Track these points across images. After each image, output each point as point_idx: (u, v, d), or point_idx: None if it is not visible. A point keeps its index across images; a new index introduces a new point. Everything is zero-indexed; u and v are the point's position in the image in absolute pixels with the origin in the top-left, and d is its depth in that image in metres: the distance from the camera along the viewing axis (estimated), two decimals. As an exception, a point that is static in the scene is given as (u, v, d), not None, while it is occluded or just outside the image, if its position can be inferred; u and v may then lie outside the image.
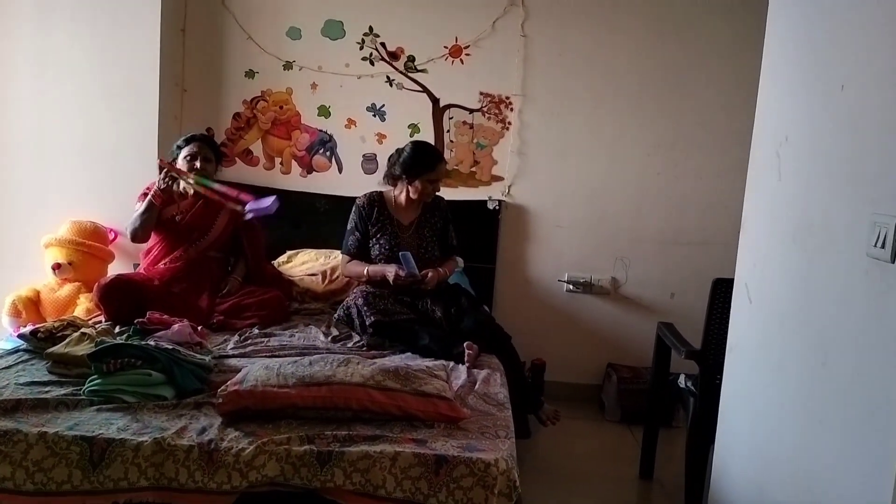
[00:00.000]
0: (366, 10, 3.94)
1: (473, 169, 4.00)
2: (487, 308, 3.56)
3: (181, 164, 3.27)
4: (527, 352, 3.52)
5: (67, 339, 2.48)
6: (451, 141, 3.99)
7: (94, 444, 1.85)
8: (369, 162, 4.03)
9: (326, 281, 3.59)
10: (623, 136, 3.92)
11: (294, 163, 4.07)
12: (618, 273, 4.00)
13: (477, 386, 2.49)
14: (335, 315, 3.19)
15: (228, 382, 2.10)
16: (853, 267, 1.57)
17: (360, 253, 3.29)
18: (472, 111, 3.96)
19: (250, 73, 4.02)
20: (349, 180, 3.99)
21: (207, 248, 3.29)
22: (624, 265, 3.99)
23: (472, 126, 3.97)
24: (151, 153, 3.75)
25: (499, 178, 3.99)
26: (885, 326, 1.44)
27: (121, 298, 2.94)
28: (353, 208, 3.32)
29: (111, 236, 3.83)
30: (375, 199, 3.31)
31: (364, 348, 2.85)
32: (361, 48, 3.96)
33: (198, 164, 3.25)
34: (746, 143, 2.27)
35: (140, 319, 2.73)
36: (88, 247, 3.68)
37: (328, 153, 4.05)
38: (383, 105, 3.99)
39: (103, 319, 2.95)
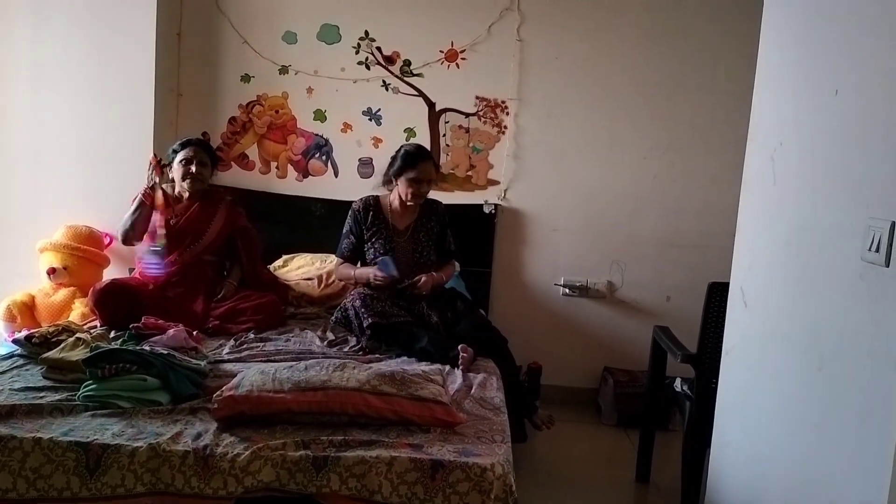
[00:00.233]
0: (362, 15, 3.95)
1: (469, 173, 4.00)
2: (483, 312, 3.56)
3: (176, 167, 3.26)
4: (523, 355, 3.52)
5: (62, 345, 2.48)
6: (447, 145, 3.99)
7: (90, 450, 1.85)
8: (365, 166, 4.03)
9: (322, 285, 3.58)
10: (619, 140, 3.93)
11: (290, 167, 4.07)
12: (614, 277, 4.00)
13: (473, 390, 2.49)
14: (332, 317, 3.19)
15: (224, 387, 2.10)
16: (848, 271, 1.57)
17: (353, 256, 3.30)
18: (468, 115, 3.97)
19: (246, 78, 4.02)
20: (345, 184, 3.99)
21: (202, 252, 3.28)
22: (620, 269, 3.99)
23: (468, 130, 3.98)
24: (147, 158, 3.72)
25: (495, 182, 4.00)
26: (880, 330, 1.44)
27: (116, 303, 2.93)
28: (349, 212, 3.33)
29: (106, 241, 3.82)
30: (371, 204, 3.31)
31: (360, 351, 2.85)
32: (357, 52, 3.96)
33: (193, 168, 3.24)
34: (741, 147, 2.28)
35: (135, 324, 2.73)
36: (83, 251, 3.67)
37: (324, 157, 4.05)
38: (379, 109, 3.99)
39: (98, 324, 2.94)
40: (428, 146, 3.84)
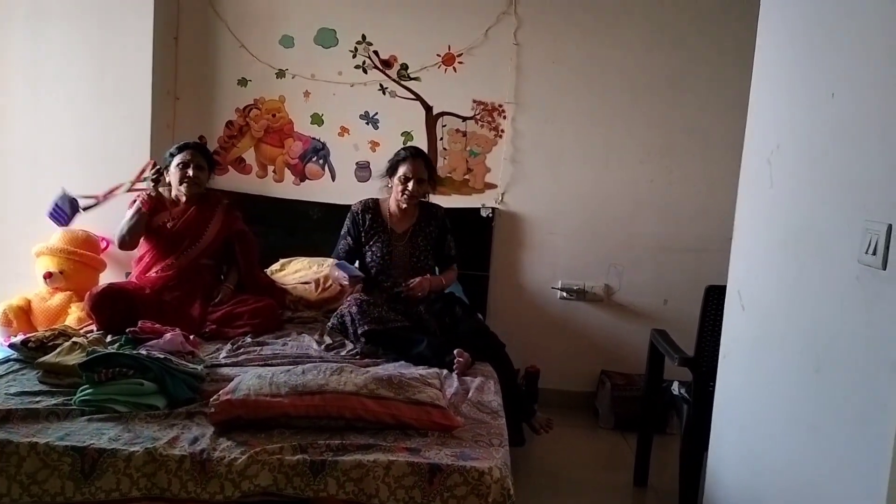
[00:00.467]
0: (359, 19, 3.95)
1: (467, 176, 4.01)
2: (481, 316, 3.56)
3: (173, 171, 3.26)
4: (521, 359, 3.52)
5: (59, 349, 2.47)
6: (445, 149, 3.99)
7: (86, 455, 1.84)
8: (362, 170, 4.02)
9: (320, 289, 3.57)
10: (615, 144, 3.93)
11: (287, 171, 4.07)
12: (611, 280, 4.00)
13: (471, 394, 2.48)
14: (329, 323, 3.17)
15: (221, 392, 2.10)
16: (845, 273, 1.58)
17: (348, 258, 3.31)
18: (465, 119, 3.97)
19: (243, 82, 4.02)
20: (342, 188, 3.99)
21: (199, 255, 3.28)
22: (617, 272, 3.99)
23: (465, 134, 3.98)
24: (144, 161, 3.71)
25: (492, 186, 4.00)
26: (876, 332, 1.45)
27: (112, 307, 2.92)
28: (348, 213, 3.33)
29: (103, 245, 3.81)
30: (370, 207, 3.31)
31: (357, 355, 2.84)
32: (354, 56, 3.97)
33: (190, 171, 3.24)
34: (738, 151, 2.29)
35: (132, 328, 2.73)
36: (80, 256, 3.66)
37: (321, 161, 4.05)
38: (376, 113, 4.00)
39: (95, 328, 2.93)
40: (425, 150, 3.83)
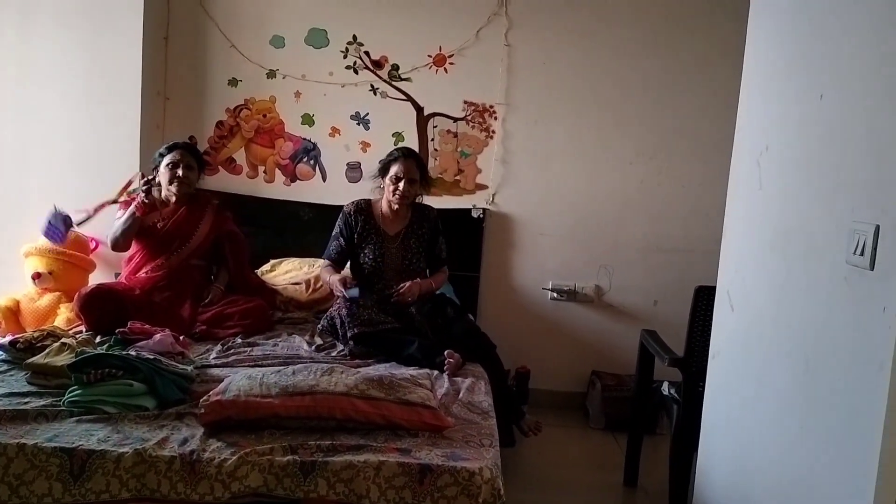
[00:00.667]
0: (350, 19, 3.94)
1: (457, 177, 4.01)
2: (472, 316, 3.55)
3: (163, 171, 3.25)
4: (511, 360, 3.52)
5: (47, 350, 2.46)
6: (436, 149, 4.00)
7: (74, 456, 1.83)
8: (353, 170, 4.02)
9: (310, 290, 3.57)
10: (606, 145, 3.95)
11: (277, 171, 4.06)
12: (601, 281, 4.01)
13: (461, 394, 2.48)
14: (318, 325, 3.16)
15: (211, 392, 2.09)
16: (833, 274, 1.59)
17: (340, 259, 3.28)
18: (456, 120, 3.97)
19: (233, 82, 4.00)
20: (333, 189, 3.98)
21: (189, 256, 3.27)
22: (607, 273, 4.00)
23: (456, 135, 3.98)
24: (133, 162, 3.72)
25: (483, 187, 4.00)
26: (864, 332, 1.46)
27: (102, 308, 2.91)
28: (340, 214, 3.31)
29: (92, 245, 3.79)
30: (363, 208, 3.29)
31: (348, 357, 2.84)
32: (345, 57, 3.96)
33: (180, 171, 3.23)
34: (727, 152, 2.30)
35: (121, 329, 2.72)
36: (69, 256, 3.64)
37: (312, 161, 4.04)
38: (367, 113, 3.99)
39: (84, 329, 2.92)
40: (416, 151, 3.83)
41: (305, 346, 2.93)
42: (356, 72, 3.97)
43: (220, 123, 4.04)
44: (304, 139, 4.03)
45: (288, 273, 3.72)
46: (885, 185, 1.42)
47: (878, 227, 1.42)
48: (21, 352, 2.49)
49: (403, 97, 3.97)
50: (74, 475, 1.82)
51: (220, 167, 4.06)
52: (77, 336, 2.74)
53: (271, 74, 3.98)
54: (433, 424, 2.08)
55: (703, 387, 2.40)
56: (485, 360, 2.93)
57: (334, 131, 4.01)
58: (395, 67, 3.96)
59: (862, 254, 1.46)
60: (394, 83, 3.97)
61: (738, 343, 2.15)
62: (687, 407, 2.61)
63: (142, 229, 3.23)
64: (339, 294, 3.06)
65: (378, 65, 3.97)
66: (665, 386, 2.95)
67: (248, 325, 3.08)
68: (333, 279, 3.13)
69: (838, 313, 1.57)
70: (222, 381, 2.22)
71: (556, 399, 3.97)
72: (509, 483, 2.02)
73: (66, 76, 3.78)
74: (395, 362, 2.76)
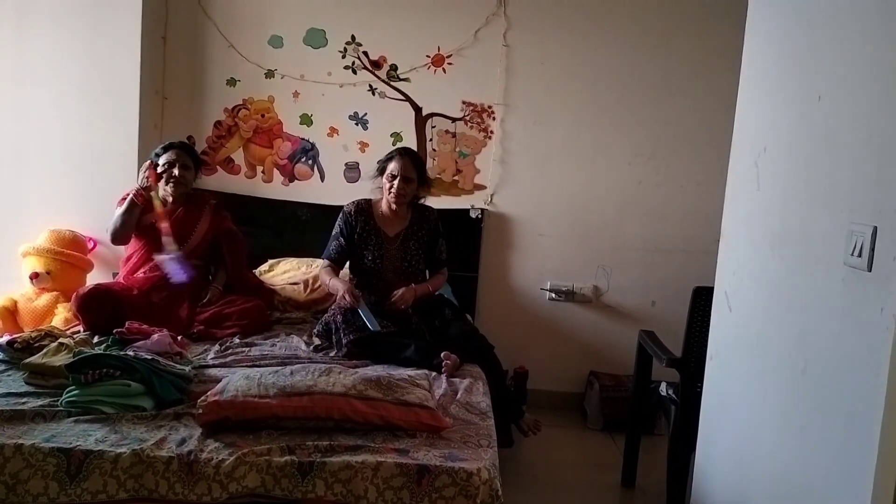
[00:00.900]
0: (348, 19, 3.94)
1: (456, 178, 4.01)
2: (470, 317, 3.55)
3: (159, 170, 3.24)
4: (509, 360, 3.52)
5: (45, 350, 2.45)
6: (434, 150, 4.00)
7: (72, 456, 1.83)
8: (351, 170, 4.02)
9: (308, 290, 3.56)
10: (604, 145, 3.95)
11: (276, 171, 4.05)
12: (599, 281, 4.01)
13: (459, 395, 2.48)
14: (315, 329, 3.12)
15: (208, 393, 2.09)
16: (831, 275, 1.59)
17: (340, 259, 3.25)
18: (454, 120, 3.97)
19: (232, 82, 4.00)
20: (331, 189, 3.98)
21: (187, 256, 3.26)
22: (606, 273, 4.00)
23: (454, 135, 3.98)
24: (131, 161, 3.72)
25: (481, 187, 4.00)
26: (862, 334, 1.46)
27: (99, 308, 2.91)
28: (340, 213, 3.28)
29: (90, 245, 3.79)
30: (364, 208, 3.26)
31: (346, 357, 2.83)
32: (344, 57, 3.96)
33: (176, 171, 3.22)
34: (726, 153, 2.30)
35: (119, 329, 2.71)
36: (67, 256, 3.64)
37: (310, 161, 4.04)
38: (366, 114, 3.99)
39: (81, 329, 2.91)
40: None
41: (303, 347, 2.93)
42: (355, 72, 3.97)
43: (218, 123, 4.04)
44: (303, 139, 4.03)
45: (286, 273, 3.72)
46: (883, 187, 1.42)
47: (875, 229, 1.43)
48: (19, 352, 2.49)
49: (402, 97, 3.97)
50: (71, 475, 1.81)
51: (218, 167, 4.06)
52: (75, 336, 2.74)
53: (270, 74, 3.98)
54: (431, 425, 2.08)
55: (701, 387, 2.40)
56: (483, 360, 2.92)
57: (333, 131, 4.01)
58: (394, 68, 3.96)
59: (860, 255, 1.46)
60: (392, 83, 3.97)
61: (736, 344, 2.16)
62: (685, 407, 2.62)
63: (140, 228, 3.22)
64: (344, 305, 2.99)
65: (376, 65, 3.97)
66: (663, 386, 2.95)
67: (246, 325, 3.08)
68: (340, 286, 3.07)
69: (836, 314, 1.57)
70: (220, 381, 2.22)
71: (554, 399, 3.97)
72: (507, 483, 2.02)
73: (63, 75, 3.78)
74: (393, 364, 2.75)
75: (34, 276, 3.60)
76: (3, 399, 2.14)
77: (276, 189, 4.04)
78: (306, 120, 4.01)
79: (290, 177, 4.05)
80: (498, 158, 3.97)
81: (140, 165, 3.45)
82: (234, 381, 2.13)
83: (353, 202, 3.30)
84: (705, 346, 2.40)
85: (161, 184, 3.24)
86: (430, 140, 3.99)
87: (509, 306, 4.02)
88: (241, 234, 3.46)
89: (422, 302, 3.15)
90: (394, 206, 3.20)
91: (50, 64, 3.78)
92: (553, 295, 4.01)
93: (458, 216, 3.91)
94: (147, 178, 3.14)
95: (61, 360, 2.33)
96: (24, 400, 2.15)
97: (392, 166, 3.17)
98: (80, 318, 2.95)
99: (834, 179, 1.63)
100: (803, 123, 1.80)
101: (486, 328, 3.33)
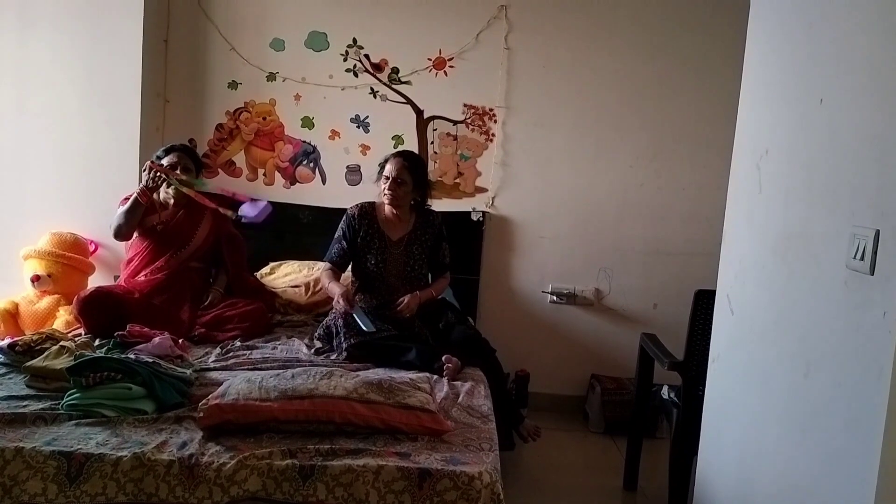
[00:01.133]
0: (350, 22, 3.95)
1: (457, 180, 4.01)
2: (471, 319, 3.55)
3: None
4: (511, 363, 3.52)
5: (46, 353, 2.45)
6: (435, 152, 4.00)
7: (73, 459, 1.83)
8: (353, 173, 4.02)
9: (310, 293, 3.56)
10: (605, 148, 3.95)
11: (277, 174, 4.06)
12: (601, 284, 4.01)
13: (461, 398, 2.48)
14: (316, 333, 3.11)
15: (209, 396, 2.09)
16: (833, 278, 1.58)
17: (342, 262, 3.25)
18: (455, 123, 3.97)
19: (233, 84, 4.01)
20: (333, 191, 3.98)
21: (189, 258, 3.26)
22: (607, 276, 4.00)
23: (455, 138, 3.98)
24: (133, 164, 3.72)
25: (483, 190, 4.00)
26: (864, 337, 1.45)
27: (100, 311, 2.90)
28: (344, 216, 3.28)
29: (91, 248, 3.79)
30: (367, 211, 3.25)
31: (347, 360, 2.82)
32: (345, 60, 3.96)
33: (178, 173, 3.22)
34: (727, 156, 2.30)
35: (120, 332, 2.70)
36: (68, 259, 3.64)
37: (312, 164, 4.04)
38: (367, 116, 3.99)
39: (83, 332, 2.91)
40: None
41: (304, 350, 2.93)
42: (356, 75, 3.97)
43: (219, 126, 4.04)
44: (304, 142, 4.03)
45: (287, 276, 3.72)
46: (886, 190, 1.42)
47: (878, 232, 1.42)
48: (20, 355, 2.49)
49: (403, 100, 3.97)
50: (71, 478, 1.81)
51: (219, 170, 4.06)
52: (76, 339, 2.73)
53: (271, 77, 3.98)
54: (432, 428, 2.08)
55: (703, 391, 2.40)
56: (484, 363, 2.92)
57: (334, 134, 4.01)
58: (395, 70, 3.96)
59: (862, 258, 1.46)
60: (394, 86, 3.97)
61: (738, 347, 2.15)
62: (687, 411, 2.61)
63: (142, 231, 3.22)
64: (339, 310, 2.99)
65: (378, 68, 3.97)
66: (665, 390, 2.95)
67: (247, 327, 3.08)
68: (336, 290, 3.07)
69: (838, 318, 1.56)
70: (221, 384, 2.21)
71: (556, 402, 3.97)
72: (509, 487, 2.02)
73: (65, 79, 3.78)
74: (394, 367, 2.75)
75: (35, 279, 3.60)
76: (4, 402, 2.14)
77: (278, 192, 4.04)
78: (308, 123, 4.01)
79: (292, 179, 4.05)
80: (499, 161, 3.97)
81: (141, 168, 3.45)
82: (236, 385, 2.13)
83: (357, 205, 3.29)
84: (707, 349, 2.40)
85: (162, 186, 3.23)
86: (432, 143, 3.99)
87: (510, 309, 4.02)
88: (242, 237, 3.46)
89: (424, 306, 3.14)
90: (389, 209, 3.20)
91: (52, 67, 3.78)
92: (554, 297, 4.00)
93: (460, 219, 3.91)
94: (157, 174, 3.12)
95: (62, 363, 2.33)
96: (25, 403, 2.15)
97: (387, 168, 3.18)
98: (81, 320, 2.95)
99: (836, 182, 1.63)
100: (805, 126, 1.80)
101: (488, 331, 3.33)
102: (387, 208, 3.24)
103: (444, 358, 2.75)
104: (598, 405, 3.76)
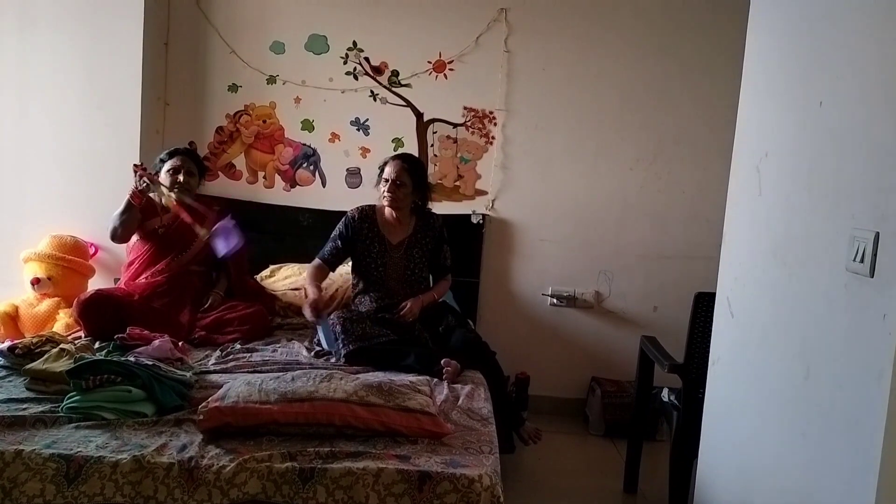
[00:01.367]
0: (350, 25, 3.95)
1: (457, 183, 4.01)
2: (472, 322, 3.54)
3: (163, 177, 3.25)
4: (511, 366, 3.52)
5: (46, 356, 2.45)
6: (435, 155, 4.00)
7: (72, 462, 1.82)
8: (353, 176, 4.02)
9: (310, 295, 3.56)
10: (605, 151, 3.95)
11: (277, 177, 4.06)
12: (601, 287, 4.01)
13: (461, 401, 2.48)
14: (315, 338, 3.11)
15: (209, 399, 2.08)
16: (833, 281, 1.58)
17: (333, 261, 3.25)
18: (455, 126, 3.97)
19: (233, 88, 4.01)
20: (333, 194, 3.99)
21: (189, 261, 3.27)
22: (607, 279, 4.00)
23: (455, 140, 3.99)
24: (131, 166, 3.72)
25: (482, 193, 4.00)
26: (864, 339, 1.45)
27: (101, 314, 2.91)
28: (344, 217, 3.28)
29: (91, 251, 3.79)
30: (368, 215, 3.26)
31: (346, 364, 2.82)
32: (345, 63, 3.97)
33: (181, 177, 3.23)
34: (727, 158, 2.30)
35: (120, 335, 2.71)
36: (68, 261, 3.64)
37: (312, 167, 4.04)
38: (367, 119, 4.00)
39: (83, 335, 2.92)
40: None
41: (304, 352, 2.93)
42: (356, 78, 3.97)
43: (219, 129, 4.04)
44: (304, 145, 4.03)
45: (287, 278, 3.72)
46: (885, 192, 1.42)
47: (877, 234, 1.42)
48: (20, 357, 2.49)
49: (403, 103, 3.97)
50: (70, 479, 1.81)
51: (219, 173, 4.06)
52: (76, 342, 2.73)
53: (271, 80, 3.99)
54: (432, 431, 2.08)
55: (703, 393, 2.40)
56: (484, 366, 2.92)
57: (334, 137, 4.01)
58: (395, 73, 3.97)
59: (862, 261, 1.46)
60: (393, 89, 3.97)
61: (739, 349, 2.15)
62: (687, 413, 2.61)
63: (143, 234, 3.22)
64: (309, 319, 3.04)
65: (378, 71, 3.97)
66: (665, 392, 2.94)
67: (247, 330, 3.07)
68: (309, 295, 3.09)
69: (838, 321, 1.56)
70: (221, 387, 2.21)
71: (556, 405, 3.96)
72: (509, 490, 2.02)
73: (65, 81, 3.79)
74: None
75: (35, 282, 3.60)
76: (4, 405, 2.14)
77: (278, 195, 4.05)
78: (308, 125, 4.02)
79: (292, 182, 4.05)
80: (499, 164, 3.98)
81: (135, 163, 3.45)
82: (235, 387, 2.13)
83: (358, 208, 3.29)
84: (707, 351, 2.40)
85: (164, 189, 3.23)
86: (432, 146, 3.99)
87: (510, 312, 4.02)
88: (242, 239, 3.45)
89: (425, 309, 3.14)
90: (390, 212, 3.20)
91: (52, 70, 3.79)
92: (554, 300, 4.00)
93: (460, 222, 3.91)
94: (144, 180, 3.11)
95: (62, 365, 2.33)
96: (24, 406, 2.15)
97: (387, 171, 3.18)
98: (81, 323, 2.95)
99: (836, 184, 1.63)
100: (805, 128, 1.80)
101: (487, 334, 3.33)
102: (387, 211, 3.24)
103: (442, 361, 2.74)
104: (599, 408, 3.76)
